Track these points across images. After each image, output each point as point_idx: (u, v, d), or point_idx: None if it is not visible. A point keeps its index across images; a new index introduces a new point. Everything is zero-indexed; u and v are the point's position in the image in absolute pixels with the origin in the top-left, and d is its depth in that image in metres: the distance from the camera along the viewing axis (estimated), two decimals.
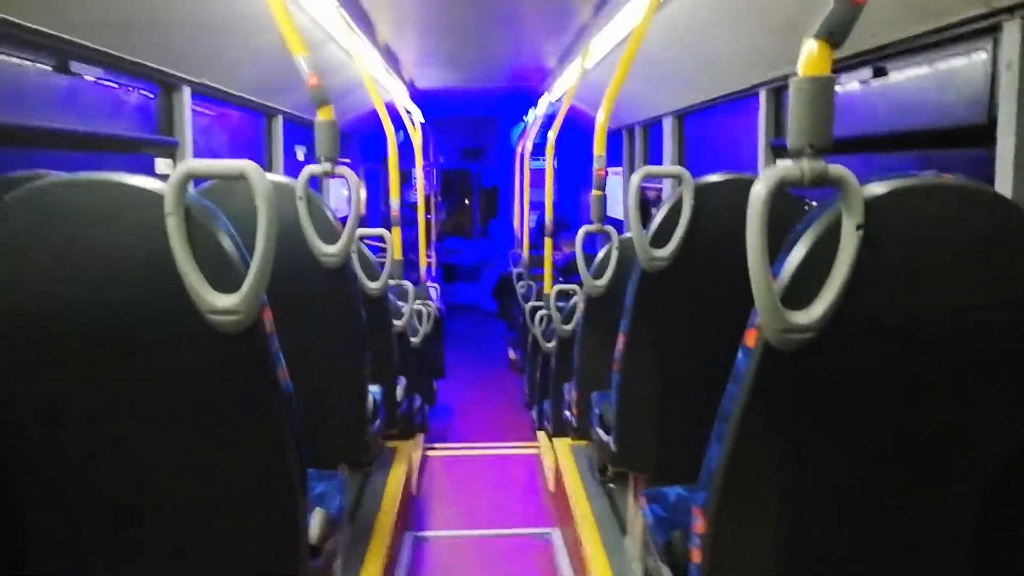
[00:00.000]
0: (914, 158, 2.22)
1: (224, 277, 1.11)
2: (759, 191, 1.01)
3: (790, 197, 1.73)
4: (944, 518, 1.20)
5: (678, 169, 1.86)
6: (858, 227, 1.00)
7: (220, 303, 1.10)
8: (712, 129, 4.01)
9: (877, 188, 1.04)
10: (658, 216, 1.85)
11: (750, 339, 1.09)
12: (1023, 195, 1.55)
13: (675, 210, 1.83)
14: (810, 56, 1.00)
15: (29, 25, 1.80)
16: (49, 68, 2.04)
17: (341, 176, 1.96)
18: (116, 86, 2.45)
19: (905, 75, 2.14)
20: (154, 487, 1.23)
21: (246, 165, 1.12)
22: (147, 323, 1.13)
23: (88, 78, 2.24)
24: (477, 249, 10.39)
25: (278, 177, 1.92)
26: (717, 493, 1.18)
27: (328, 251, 1.89)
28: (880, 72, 2.23)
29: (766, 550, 1.21)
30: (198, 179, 1.14)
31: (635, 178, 1.93)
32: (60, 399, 1.17)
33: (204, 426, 1.20)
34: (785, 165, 1.02)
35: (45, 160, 2.03)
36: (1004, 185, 1.60)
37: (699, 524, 1.23)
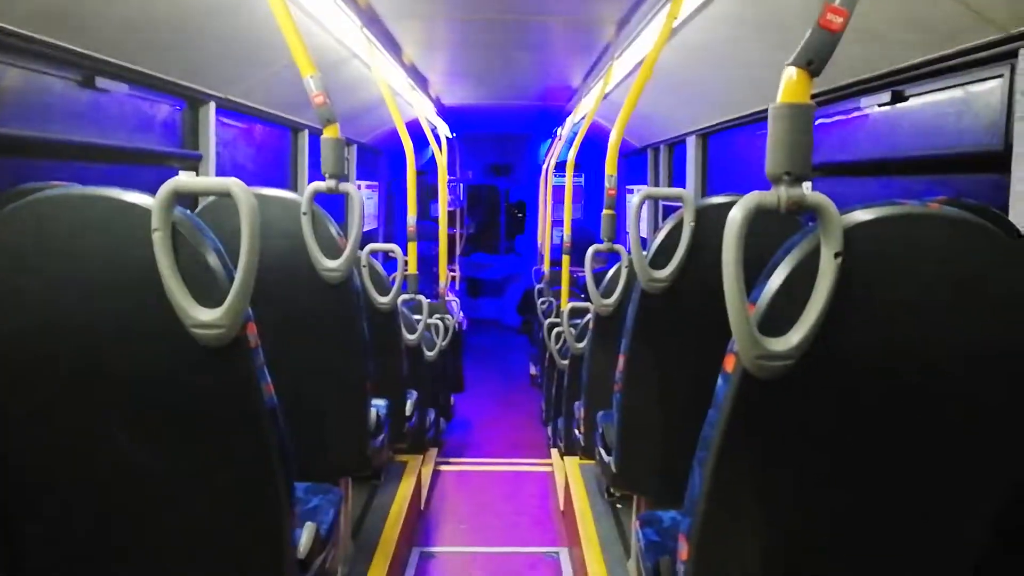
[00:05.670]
0: (932, 183, 2.18)
1: (209, 292, 1.13)
2: (735, 217, 1.00)
3: (793, 221, 1.71)
4: (927, 551, 1.17)
5: (679, 191, 1.85)
6: (836, 255, 0.99)
7: (203, 317, 1.13)
8: (740, 148, 3.98)
9: (859, 215, 1.02)
10: (658, 237, 1.84)
11: (729, 365, 1.08)
12: None
13: (676, 231, 1.82)
14: (789, 83, 1.00)
15: (57, 43, 1.85)
16: (75, 82, 2.10)
17: (345, 192, 1.99)
18: (142, 99, 2.52)
19: (923, 100, 2.11)
20: (139, 494, 1.25)
21: (231, 183, 1.15)
22: (133, 335, 1.16)
23: (114, 92, 2.30)
24: (503, 264, 10.40)
25: (284, 193, 1.96)
26: (700, 520, 1.16)
27: (330, 266, 1.92)
28: (898, 96, 2.20)
29: None
30: (187, 196, 1.17)
31: (635, 199, 1.93)
32: (47, 406, 1.19)
33: (187, 438, 1.22)
34: (762, 192, 1.01)
35: (70, 173, 2.08)
36: (1018, 212, 1.57)
37: (683, 551, 1.22)
